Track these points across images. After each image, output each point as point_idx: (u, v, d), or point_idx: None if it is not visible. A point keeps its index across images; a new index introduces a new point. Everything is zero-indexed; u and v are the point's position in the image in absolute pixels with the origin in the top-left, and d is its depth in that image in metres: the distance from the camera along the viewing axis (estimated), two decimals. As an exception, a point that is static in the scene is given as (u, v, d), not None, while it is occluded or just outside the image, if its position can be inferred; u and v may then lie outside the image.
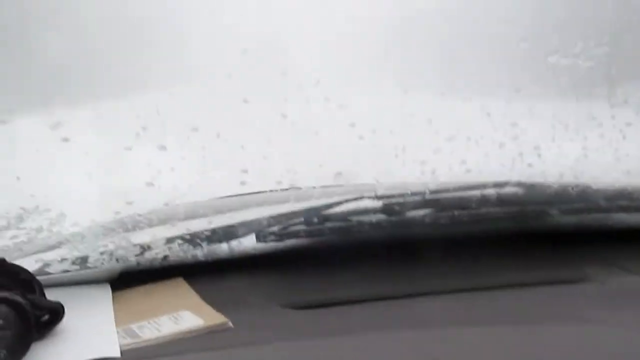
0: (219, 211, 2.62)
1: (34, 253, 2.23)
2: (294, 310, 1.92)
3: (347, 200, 2.41)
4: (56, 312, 1.72)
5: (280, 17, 5.66)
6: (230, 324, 1.80)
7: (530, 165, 2.64)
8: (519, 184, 2.51)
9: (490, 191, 2.41)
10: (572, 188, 2.51)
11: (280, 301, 1.96)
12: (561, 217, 2.37)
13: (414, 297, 1.99)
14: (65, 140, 3.58)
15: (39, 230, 2.50)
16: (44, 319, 1.68)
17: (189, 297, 1.97)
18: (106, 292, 1.99)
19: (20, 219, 2.66)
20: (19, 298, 1.55)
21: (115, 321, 1.82)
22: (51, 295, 1.76)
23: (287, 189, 2.82)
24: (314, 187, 2.80)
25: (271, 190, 2.83)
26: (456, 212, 2.29)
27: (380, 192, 2.41)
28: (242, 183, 3.03)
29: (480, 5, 4.97)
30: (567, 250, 2.30)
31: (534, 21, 4.41)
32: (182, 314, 1.83)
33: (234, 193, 2.92)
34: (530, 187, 2.51)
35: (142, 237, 2.22)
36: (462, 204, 2.34)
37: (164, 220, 2.45)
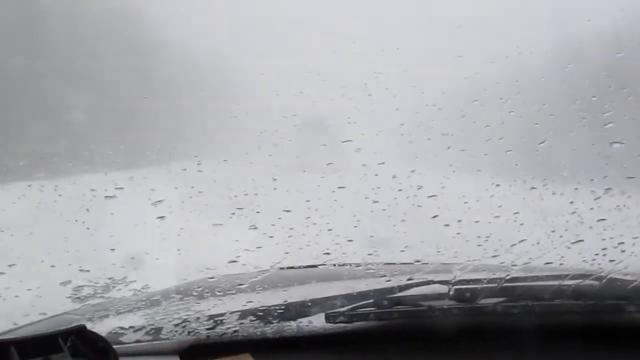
0: (294, 283, 2.65)
1: (111, 319, 2.30)
2: None
3: (417, 284, 2.37)
4: None
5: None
6: None
7: (612, 260, 2.57)
8: (596, 278, 2.41)
9: (568, 283, 2.34)
10: None
11: None
12: (638, 314, 2.27)
13: None
14: (162, 217, 3.77)
15: (122, 300, 2.59)
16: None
17: None
18: None
19: (106, 288, 2.78)
20: None
21: None
22: None
23: (365, 264, 2.84)
24: (389, 264, 2.80)
25: (348, 264, 2.87)
26: (529, 303, 2.22)
27: (458, 278, 2.37)
28: (323, 264, 3.08)
29: (574, 106, 4.98)
30: None
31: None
32: None
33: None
34: (608, 282, 2.41)
35: (217, 309, 2.24)
36: (536, 294, 2.27)
37: (240, 293, 2.49)
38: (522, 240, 3.05)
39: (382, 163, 4.69)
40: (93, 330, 1.71)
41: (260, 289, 2.55)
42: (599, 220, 3.18)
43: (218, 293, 2.52)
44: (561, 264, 2.64)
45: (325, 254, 3.28)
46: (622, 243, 2.74)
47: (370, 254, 3.21)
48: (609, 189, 3.41)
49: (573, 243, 2.82)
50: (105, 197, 4.17)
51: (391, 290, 2.34)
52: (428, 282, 2.36)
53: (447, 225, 3.37)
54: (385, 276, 2.57)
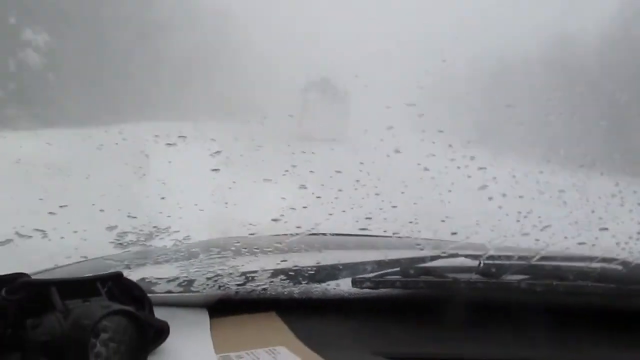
0: (329, 248, 2.72)
1: (146, 267, 2.40)
2: (385, 359, 1.96)
3: (447, 256, 2.41)
4: (162, 331, 1.77)
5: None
6: None
7: (636, 246, 2.58)
8: (623, 262, 2.43)
9: (594, 265, 2.36)
10: None
11: (372, 348, 1.99)
12: None
13: None
14: (216, 170, 3.88)
15: (162, 249, 2.69)
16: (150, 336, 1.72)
17: (284, 334, 2.04)
18: (205, 317, 2.06)
19: (150, 236, 2.89)
20: (136, 314, 1.66)
21: (214, 348, 1.85)
22: (155, 313, 1.81)
23: (401, 236, 2.90)
24: (425, 238, 2.86)
25: (383, 236, 2.93)
26: (553, 282, 2.25)
27: (489, 253, 2.40)
28: (363, 229, 3.16)
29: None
30: None
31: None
32: (279, 350, 1.89)
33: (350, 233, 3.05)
34: (635, 267, 2.42)
35: (250, 265, 2.31)
36: (561, 274, 2.30)
37: (275, 251, 2.57)
38: (563, 218, 3.07)
39: (441, 131, 4.70)
40: (129, 276, 1.81)
41: (297, 249, 2.63)
42: (639, 204, 3.17)
43: (255, 250, 2.60)
44: (594, 245, 2.66)
45: (367, 218, 3.34)
46: (659, 228, 2.74)
47: (410, 222, 3.26)
48: (656, 173, 3.38)
49: (601, 229, 2.82)
50: (166, 144, 4.28)
51: (421, 259, 2.38)
52: (457, 255, 2.40)
53: (490, 198, 3.39)
54: (419, 245, 2.62)
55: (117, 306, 1.60)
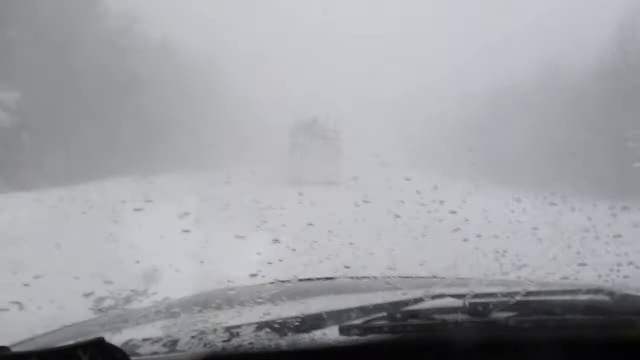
0: (311, 295, 2.68)
1: (129, 330, 2.34)
2: None
3: (431, 297, 2.38)
4: None
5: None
6: None
7: (626, 277, 2.60)
8: (609, 293, 2.42)
9: (580, 298, 2.35)
10: None
11: None
12: None
13: None
14: (187, 231, 3.86)
15: (140, 311, 2.63)
16: (135, 402, 1.72)
17: None
18: None
19: (127, 300, 2.85)
20: None
21: None
22: None
23: (382, 277, 2.87)
24: (406, 278, 2.84)
25: (360, 278, 2.90)
26: (542, 317, 2.23)
27: (473, 292, 2.38)
28: (342, 276, 3.13)
29: (596, 122, 5.01)
30: None
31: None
32: None
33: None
34: (620, 297, 2.42)
35: (233, 321, 2.26)
36: (548, 308, 2.28)
37: (258, 303, 2.53)
38: (540, 255, 3.08)
39: (409, 179, 4.74)
40: (111, 341, 1.75)
41: (279, 301, 2.59)
42: (615, 236, 3.21)
43: (237, 305, 2.56)
44: (576, 279, 2.67)
45: (345, 267, 3.34)
46: (637, 259, 2.77)
47: (389, 268, 3.25)
48: (627, 206, 3.43)
49: (580, 265, 2.84)
50: (134, 209, 4.25)
51: (406, 303, 2.35)
52: (442, 296, 2.37)
53: (465, 240, 3.41)
54: (401, 289, 2.60)
55: None
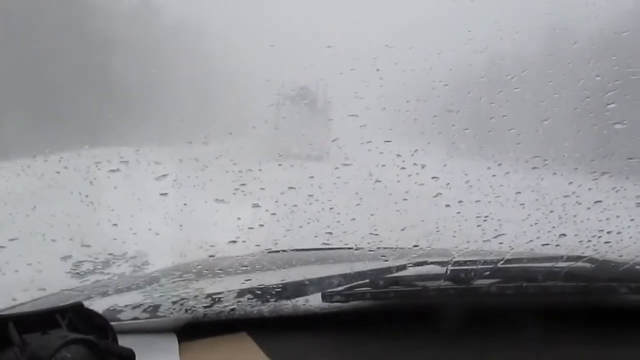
0: (293, 264, 2.68)
1: (110, 297, 2.32)
2: None
3: (414, 265, 2.38)
4: (127, 359, 1.69)
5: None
6: None
7: (607, 242, 2.59)
8: (590, 260, 2.43)
9: (561, 265, 2.35)
10: None
11: None
12: (630, 296, 2.28)
13: None
14: (164, 194, 3.81)
15: (121, 276, 2.62)
16: (115, 364, 1.73)
17: (256, 353, 1.99)
18: (173, 342, 2.02)
19: (107, 264, 2.82)
20: (97, 342, 1.60)
21: None
22: (121, 341, 1.74)
23: (363, 248, 2.87)
24: (390, 249, 2.83)
25: (346, 248, 2.90)
26: (523, 284, 2.24)
27: (455, 259, 2.38)
28: (325, 243, 3.12)
29: (579, 85, 4.99)
30: (634, 330, 2.21)
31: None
32: None
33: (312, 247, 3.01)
34: (601, 263, 2.43)
35: (215, 287, 2.26)
36: (529, 276, 2.29)
37: (239, 272, 2.51)
38: (522, 220, 3.09)
39: (389, 141, 4.70)
40: (91, 306, 1.73)
41: (260, 268, 2.58)
42: (596, 202, 3.21)
43: (217, 271, 2.55)
44: (557, 245, 2.67)
45: (327, 232, 3.31)
46: (618, 225, 2.77)
47: (371, 233, 3.23)
48: (607, 171, 3.43)
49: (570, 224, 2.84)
50: (109, 170, 4.19)
51: (388, 270, 2.35)
52: (425, 263, 2.37)
53: (448, 205, 3.39)
54: (384, 258, 2.59)
55: (74, 336, 1.54)
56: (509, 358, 2.02)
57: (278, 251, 2.95)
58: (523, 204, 3.54)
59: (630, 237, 2.69)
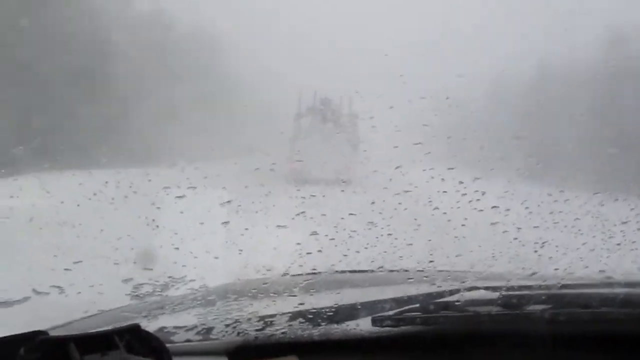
0: (346, 286, 2.70)
1: (165, 316, 2.38)
2: None
3: (466, 289, 2.36)
4: None
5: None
6: None
7: (665, 268, 2.54)
8: None
9: (617, 291, 2.31)
10: None
11: None
12: None
13: None
14: (229, 217, 3.89)
15: (177, 298, 2.68)
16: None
17: None
18: None
19: (165, 287, 2.89)
20: None
21: None
22: None
23: (417, 271, 2.87)
24: (444, 271, 2.83)
25: (399, 270, 2.91)
26: (577, 310, 2.21)
27: (509, 284, 2.37)
28: (380, 267, 3.14)
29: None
30: None
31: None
32: None
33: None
34: None
35: (268, 310, 2.29)
36: (584, 302, 2.25)
37: (292, 294, 2.55)
38: (582, 245, 3.05)
39: (452, 168, 4.70)
40: (146, 328, 1.79)
41: (314, 291, 2.61)
42: (656, 228, 3.16)
43: (272, 294, 2.59)
44: (614, 272, 2.62)
45: (383, 252, 3.35)
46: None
47: (428, 260, 3.24)
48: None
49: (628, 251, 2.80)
50: (176, 197, 4.30)
51: (440, 294, 2.34)
52: (476, 288, 2.36)
53: (506, 231, 3.37)
54: (435, 281, 2.59)
55: (133, 358, 1.58)
56: None
57: (333, 272, 2.98)
58: (580, 230, 3.50)
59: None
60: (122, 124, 17.47)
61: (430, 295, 2.35)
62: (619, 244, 2.97)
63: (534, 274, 2.60)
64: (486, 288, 2.34)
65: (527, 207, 4.11)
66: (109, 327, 1.68)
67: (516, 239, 3.34)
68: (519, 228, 3.47)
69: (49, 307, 2.80)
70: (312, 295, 2.54)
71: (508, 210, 3.81)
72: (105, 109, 17.70)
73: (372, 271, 3.09)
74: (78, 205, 6.07)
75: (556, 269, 2.68)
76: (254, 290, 2.62)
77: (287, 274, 2.93)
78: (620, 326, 2.20)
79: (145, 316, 2.36)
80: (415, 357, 2.12)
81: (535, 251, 3.01)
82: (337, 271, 3.01)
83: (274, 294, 2.58)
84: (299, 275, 2.77)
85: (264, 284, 2.80)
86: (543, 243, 3.05)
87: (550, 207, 4.10)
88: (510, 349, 2.11)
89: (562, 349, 2.08)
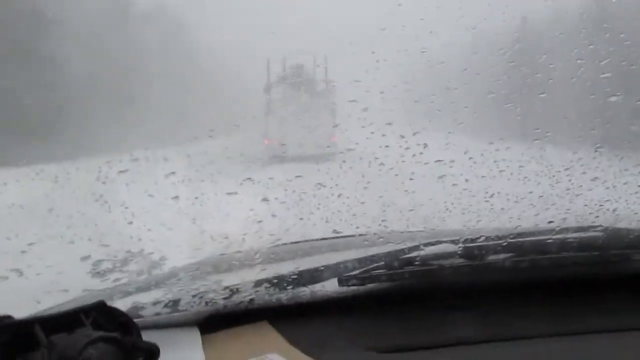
0: (306, 254, 2.71)
1: (131, 295, 2.36)
2: (379, 354, 1.93)
3: (427, 244, 2.39)
4: (152, 354, 1.77)
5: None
6: None
7: (615, 210, 2.63)
8: (601, 229, 2.45)
9: (572, 236, 2.37)
10: None
11: (364, 344, 1.97)
12: None
13: (495, 342, 1.99)
14: (175, 186, 3.85)
15: (140, 273, 2.67)
16: (139, 360, 1.75)
17: (276, 341, 2.01)
18: (195, 335, 2.05)
19: (125, 262, 2.87)
20: (121, 338, 1.64)
21: None
22: (144, 337, 1.82)
23: (375, 233, 2.91)
24: (401, 232, 2.87)
25: (359, 235, 2.93)
26: (536, 257, 2.26)
27: (464, 237, 2.41)
28: (335, 231, 3.16)
29: (573, 55, 5.02)
30: None
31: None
32: (272, 357, 1.87)
33: (324, 236, 3.05)
34: (613, 232, 2.44)
35: (232, 279, 2.28)
36: (542, 248, 2.30)
37: (255, 263, 2.55)
38: (529, 194, 3.13)
39: (390, 124, 4.74)
40: (114, 305, 1.78)
41: (274, 259, 2.62)
42: (601, 170, 3.24)
43: (234, 263, 2.59)
44: (567, 214, 2.70)
45: (337, 211, 3.37)
46: (625, 193, 2.81)
47: (382, 216, 3.29)
48: (609, 138, 3.47)
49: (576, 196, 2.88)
50: (119, 171, 4.25)
51: (402, 252, 2.37)
52: (437, 242, 2.39)
53: (455, 184, 3.43)
54: (396, 241, 2.62)
55: (99, 334, 1.58)
56: (526, 332, 2.05)
57: (290, 243, 2.99)
58: (527, 177, 3.58)
59: (636, 203, 2.73)
60: (74, 106, 16.97)
61: (391, 254, 2.38)
62: (568, 189, 3.05)
63: (489, 225, 2.66)
64: (447, 242, 2.38)
65: (470, 157, 4.18)
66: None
67: (466, 189, 3.40)
68: (466, 180, 3.54)
69: (10, 291, 2.75)
70: (272, 263, 2.55)
71: (453, 161, 3.87)
72: (52, 93, 17.16)
73: (329, 238, 3.11)
74: (22, 186, 5.91)
75: (510, 218, 2.75)
76: (213, 263, 2.63)
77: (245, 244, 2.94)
78: (579, 269, 2.27)
79: (111, 295, 2.35)
80: (384, 313, 2.15)
81: (487, 201, 3.08)
82: (293, 242, 3.03)
83: (235, 263, 2.59)
84: (253, 249, 2.79)
85: (221, 254, 2.80)
86: (493, 194, 3.12)
87: (494, 155, 4.18)
88: (474, 298, 2.16)
89: (524, 296, 2.13)
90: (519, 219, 2.70)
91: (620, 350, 1.92)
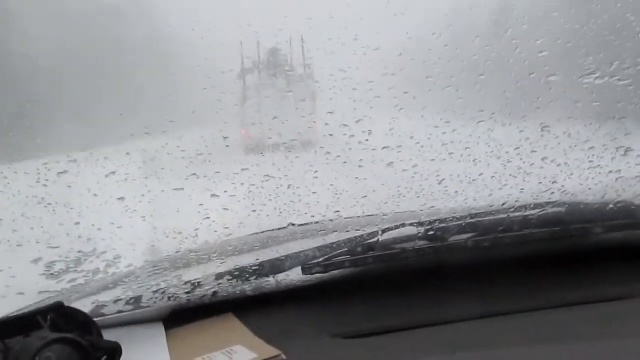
0: (265, 245, 2.69)
1: (91, 295, 2.31)
2: (345, 340, 1.94)
3: (389, 229, 2.40)
4: (114, 352, 1.73)
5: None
6: (284, 356, 1.79)
7: (569, 187, 2.66)
8: (560, 204, 2.49)
9: (532, 212, 2.41)
10: (615, 205, 2.46)
11: (330, 331, 1.98)
12: (605, 235, 2.34)
13: (460, 322, 2.00)
14: (120, 186, 3.76)
15: (96, 272, 2.61)
16: (102, 359, 1.69)
17: (241, 332, 2.00)
18: (160, 330, 2.02)
19: (78, 262, 2.79)
20: (80, 339, 1.61)
21: (171, 359, 1.84)
22: (108, 335, 1.77)
23: (332, 220, 2.90)
24: (359, 217, 2.86)
25: (316, 222, 2.92)
26: (498, 235, 2.28)
27: (423, 219, 2.42)
28: (291, 223, 3.13)
29: (507, 35, 5.08)
30: (614, 268, 2.27)
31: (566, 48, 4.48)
32: (236, 349, 1.86)
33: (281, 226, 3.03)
34: (572, 206, 2.49)
35: (192, 274, 2.26)
36: (503, 226, 2.34)
37: (213, 257, 2.52)
38: (481, 174, 3.15)
39: (332, 112, 4.73)
40: (74, 305, 1.74)
41: (232, 252, 2.59)
42: (551, 148, 3.29)
43: (191, 257, 2.57)
44: (522, 193, 2.73)
45: (290, 202, 3.34)
46: (578, 168, 2.85)
47: (335, 205, 3.28)
48: (556, 115, 3.52)
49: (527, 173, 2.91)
50: (58, 173, 4.14)
51: (363, 237, 2.38)
52: (398, 226, 2.40)
53: (405, 170, 3.44)
54: (354, 228, 2.62)
55: (56, 335, 1.57)
56: (492, 310, 2.06)
57: (246, 235, 2.97)
58: (478, 159, 3.61)
59: (593, 179, 2.77)
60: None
61: (353, 240, 2.39)
62: (520, 168, 3.08)
63: (445, 207, 2.68)
64: (406, 225, 2.39)
65: (417, 142, 4.20)
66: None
67: (417, 173, 3.41)
68: (415, 165, 3.54)
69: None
70: (231, 256, 2.53)
71: (400, 147, 3.88)
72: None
73: (284, 228, 3.09)
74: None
75: (465, 199, 2.76)
76: (170, 259, 2.59)
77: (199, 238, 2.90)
78: (541, 245, 2.30)
79: (71, 296, 2.30)
80: (348, 299, 2.15)
81: (439, 184, 3.09)
82: (249, 234, 3.00)
83: (194, 257, 2.56)
84: (211, 242, 2.76)
85: (176, 252, 2.77)
86: (444, 177, 3.13)
87: (441, 139, 4.20)
88: (439, 279, 2.17)
89: (488, 274, 2.15)
90: (474, 200, 2.71)
91: (585, 322, 1.94)
